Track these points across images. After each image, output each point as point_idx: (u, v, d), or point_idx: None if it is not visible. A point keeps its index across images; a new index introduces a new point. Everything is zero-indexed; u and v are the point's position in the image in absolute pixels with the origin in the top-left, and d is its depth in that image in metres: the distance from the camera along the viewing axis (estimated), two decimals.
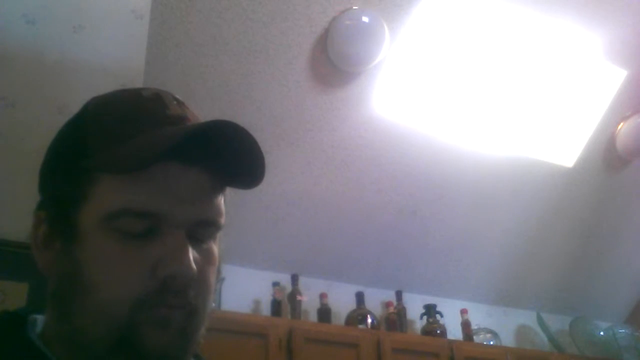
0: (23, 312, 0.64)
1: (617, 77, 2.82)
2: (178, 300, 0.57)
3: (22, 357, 0.59)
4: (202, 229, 0.60)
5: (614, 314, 3.63)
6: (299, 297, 2.76)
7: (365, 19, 2.36)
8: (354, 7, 2.36)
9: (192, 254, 0.58)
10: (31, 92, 1.95)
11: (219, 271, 0.65)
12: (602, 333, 3.38)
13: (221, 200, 0.63)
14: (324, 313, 2.79)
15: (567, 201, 3.16)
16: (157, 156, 0.55)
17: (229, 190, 0.65)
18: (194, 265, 0.57)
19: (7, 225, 1.85)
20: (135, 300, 0.56)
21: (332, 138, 2.66)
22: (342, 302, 2.90)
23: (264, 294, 2.79)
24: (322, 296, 2.83)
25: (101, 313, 0.56)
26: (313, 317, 2.82)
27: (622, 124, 2.97)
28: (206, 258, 0.61)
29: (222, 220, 0.62)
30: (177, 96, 0.64)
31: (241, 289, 2.77)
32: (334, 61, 2.45)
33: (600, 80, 2.82)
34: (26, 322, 0.62)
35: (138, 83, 2.07)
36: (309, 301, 2.81)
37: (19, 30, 1.95)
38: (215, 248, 0.63)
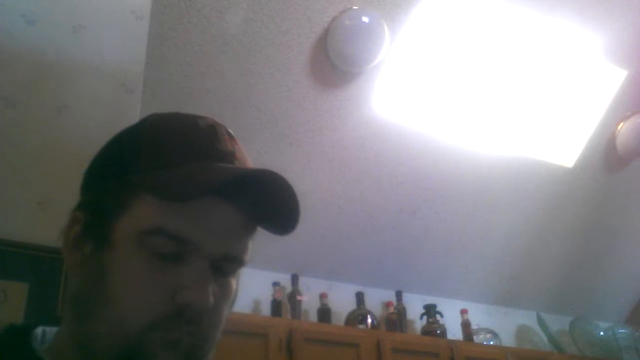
0: (29, 325, 0.65)
1: (617, 77, 2.82)
2: (190, 328, 0.58)
3: None
4: (227, 263, 0.63)
5: (614, 314, 3.63)
6: (299, 297, 2.76)
7: (365, 19, 2.36)
8: (354, 7, 2.36)
9: (212, 286, 0.60)
10: (31, 92, 1.95)
11: (232, 304, 0.68)
12: (602, 333, 3.38)
13: (250, 239, 0.65)
14: (324, 313, 2.79)
15: (567, 201, 3.16)
16: (202, 192, 0.57)
17: None
18: (212, 298, 0.59)
19: (7, 225, 1.84)
20: (151, 321, 0.57)
21: (332, 138, 2.66)
22: (342, 302, 2.89)
23: (264, 294, 2.79)
24: (322, 296, 2.83)
25: (116, 325, 0.57)
26: (313, 317, 2.82)
27: (622, 124, 2.97)
28: (224, 292, 0.63)
29: (247, 257, 0.65)
30: (230, 130, 0.66)
31: (241, 289, 2.76)
32: (334, 61, 2.45)
33: (600, 80, 2.82)
34: (30, 334, 0.63)
35: (138, 83, 2.07)
36: (309, 301, 2.81)
37: (19, 30, 1.95)
38: (234, 283, 0.66)
